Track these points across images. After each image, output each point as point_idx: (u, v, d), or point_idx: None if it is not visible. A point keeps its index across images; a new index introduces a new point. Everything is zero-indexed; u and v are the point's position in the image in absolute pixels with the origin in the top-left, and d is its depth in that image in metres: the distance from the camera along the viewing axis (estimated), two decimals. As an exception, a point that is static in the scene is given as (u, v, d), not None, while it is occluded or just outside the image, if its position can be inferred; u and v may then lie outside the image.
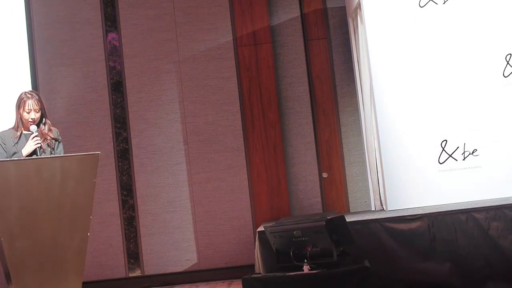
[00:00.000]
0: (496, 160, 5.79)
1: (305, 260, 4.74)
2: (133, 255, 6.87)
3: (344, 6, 7.05)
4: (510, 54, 5.86)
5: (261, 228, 5.39)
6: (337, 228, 4.80)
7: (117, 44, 7.03)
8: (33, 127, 5.05)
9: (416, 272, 5.08)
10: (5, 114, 5.90)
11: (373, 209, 6.53)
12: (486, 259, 5.04)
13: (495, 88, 5.85)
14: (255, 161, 6.90)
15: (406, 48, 5.92)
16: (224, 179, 6.90)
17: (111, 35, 7.05)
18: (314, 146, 7.02)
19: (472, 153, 5.84)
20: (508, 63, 5.86)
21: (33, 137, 5.02)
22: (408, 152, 5.84)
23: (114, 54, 7.03)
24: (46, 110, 5.20)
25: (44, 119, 5.16)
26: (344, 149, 7.04)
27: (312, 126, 7.04)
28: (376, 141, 6.10)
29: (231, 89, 6.98)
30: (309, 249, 4.75)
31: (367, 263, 4.82)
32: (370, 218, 5.33)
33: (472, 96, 5.86)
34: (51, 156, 5.01)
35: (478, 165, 5.81)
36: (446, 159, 5.85)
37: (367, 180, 6.81)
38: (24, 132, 5.13)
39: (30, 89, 6.24)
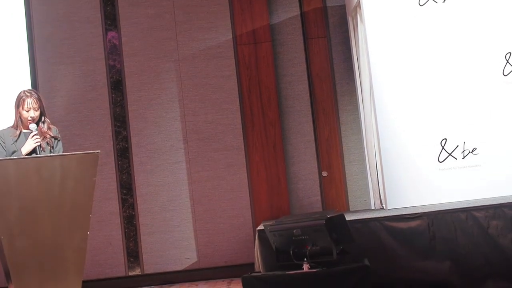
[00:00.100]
0: (495, 159, 5.79)
1: (305, 259, 4.75)
2: (133, 254, 6.87)
3: (344, 5, 7.04)
4: (510, 52, 5.86)
5: (260, 227, 5.39)
6: (336, 226, 4.80)
7: (117, 43, 7.03)
8: (33, 126, 5.04)
9: (415, 270, 5.08)
10: (5, 113, 5.89)
11: (372, 207, 6.54)
12: (485, 258, 5.04)
13: (494, 87, 5.85)
14: (255, 160, 6.90)
15: (406, 46, 5.92)
16: (223, 178, 6.90)
17: (111, 34, 7.04)
18: (313, 145, 7.02)
19: (471, 152, 5.84)
20: (507, 61, 5.86)
21: (33, 136, 5.01)
22: (408, 150, 5.85)
23: (113, 53, 7.03)
24: (45, 109, 5.20)
25: (43, 118, 5.16)
26: (343, 148, 7.04)
27: (311, 124, 7.03)
28: (375, 140, 6.10)
29: (231, 87, 6.98)
30: (309, 248, 4.75)
31: (366, 262, 4.82)
32: (369, 216, 5.33)
33: (472, 94, 5.86)
34: (51, 154, 5.00)
35: (477, 163, 5.82)
36: (446, 158, 5.85)
37: (366, 178, 6.80)
38: (24, 130, 5.11)
39: (30, 87, 6.26)
